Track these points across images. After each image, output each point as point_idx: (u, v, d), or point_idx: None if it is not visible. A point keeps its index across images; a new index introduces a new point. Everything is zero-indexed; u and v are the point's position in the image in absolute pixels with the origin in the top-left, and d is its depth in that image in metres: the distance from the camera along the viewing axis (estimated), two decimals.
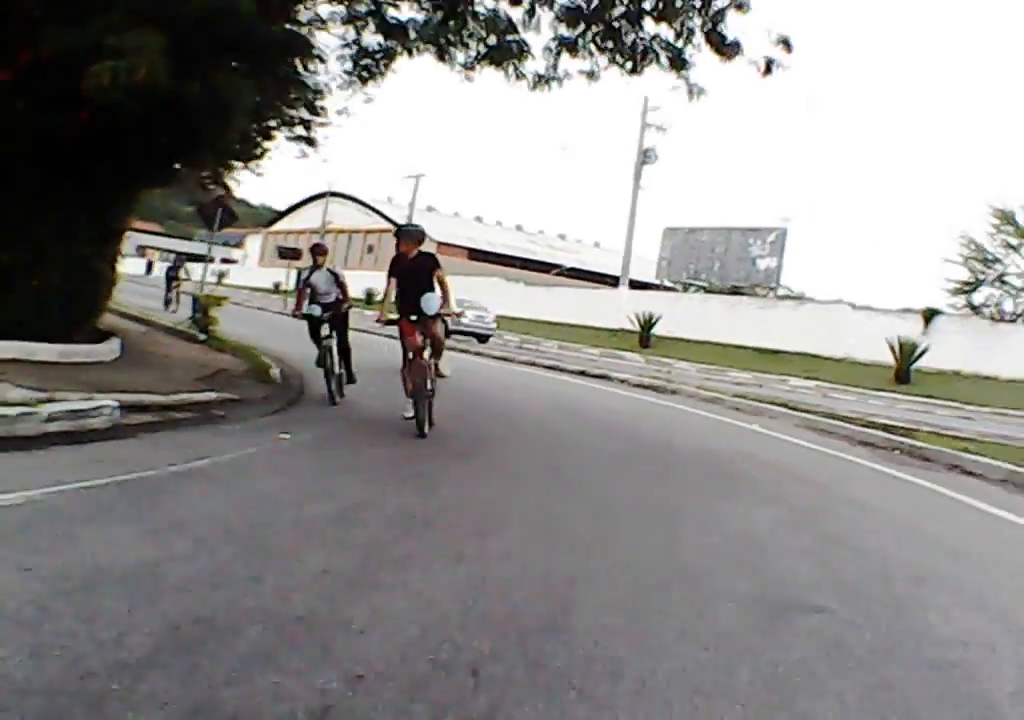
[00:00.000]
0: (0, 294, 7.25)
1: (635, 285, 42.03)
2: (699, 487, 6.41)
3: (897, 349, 24.83)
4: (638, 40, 9.28)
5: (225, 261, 59.28)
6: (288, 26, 7.25)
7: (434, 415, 7.26)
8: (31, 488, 3.78)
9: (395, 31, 8.63)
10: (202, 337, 12.70)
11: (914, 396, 20.30)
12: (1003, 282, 33.84)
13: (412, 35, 9.31)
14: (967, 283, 33.70)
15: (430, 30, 9.22)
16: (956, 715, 2.67)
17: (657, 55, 9.44)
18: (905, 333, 26.67)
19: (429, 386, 7.09)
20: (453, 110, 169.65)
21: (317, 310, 8.62)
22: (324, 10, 8.05)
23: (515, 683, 2.46)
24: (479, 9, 9.35)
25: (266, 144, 9.47)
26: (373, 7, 8.24)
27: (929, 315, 29.26)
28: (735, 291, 38.63)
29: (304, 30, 7.71)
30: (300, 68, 7.68)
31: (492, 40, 9.61)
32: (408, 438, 6.83)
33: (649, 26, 9.25)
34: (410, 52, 9.48)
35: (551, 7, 8.89)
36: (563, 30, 9.41)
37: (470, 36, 9.53)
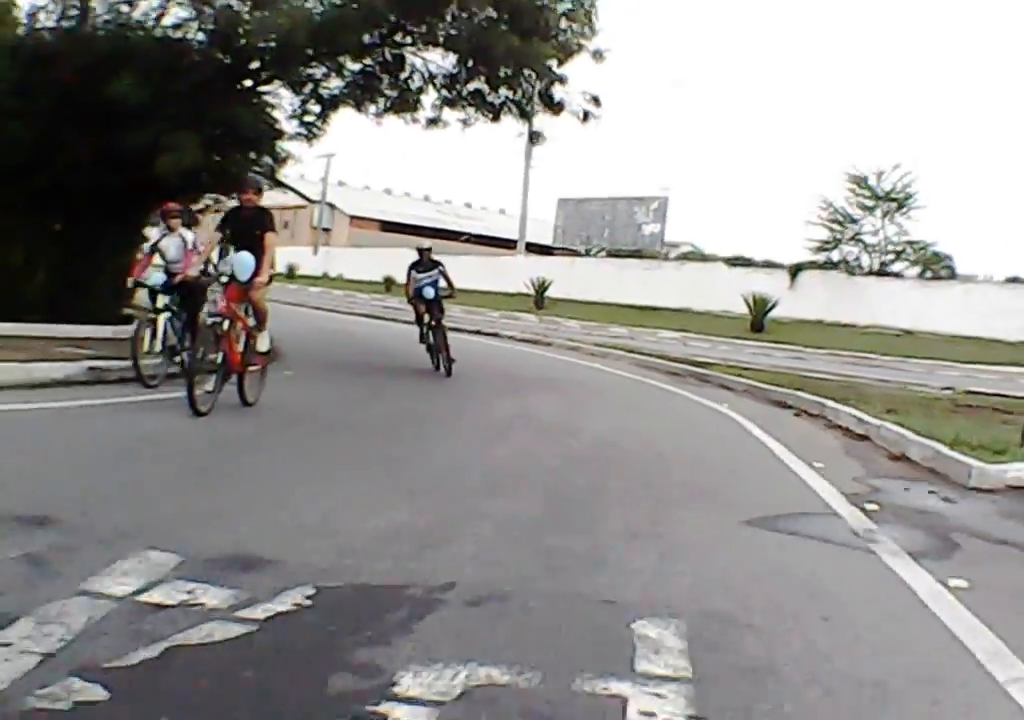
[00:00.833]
0: (80, 291, 11.11)
1: (537, 249, 46.11)
2: (524, 392, 10.93)
3: (752, 302, 27.80)
4: (495, 101, 13.61)
5: None
6: (266, 109, 11.22)
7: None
8: None
9: (327, 101, 12.65)
10: None
11: (764, 342, 23.31)
12: (859, 240, 39.38)
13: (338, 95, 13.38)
14: (827, 242, 38.58)
15: (352, 93, 13.32)
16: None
17: (510, 109, 13.79)
18: (774, 287, 29.34)
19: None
20: None
21: (159, 278, 8.22)
22: (284, 93, 12.02)
23: None
24: (385, 78, 13.47)
25: None
26: (313, 87, 12.23)
27: (795, 271, 33.81)
28: (635, 255, 42.04)
29: (271, 110, 11.69)
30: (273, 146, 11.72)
31: (395, 94, 13.76)
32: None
33: (503, 91, 13.58)
34: (335, 107, 13.54)
35: (435, 82, 13.09)
36: (444, 93, 13.67)
37: (381, 96, 13.66)
